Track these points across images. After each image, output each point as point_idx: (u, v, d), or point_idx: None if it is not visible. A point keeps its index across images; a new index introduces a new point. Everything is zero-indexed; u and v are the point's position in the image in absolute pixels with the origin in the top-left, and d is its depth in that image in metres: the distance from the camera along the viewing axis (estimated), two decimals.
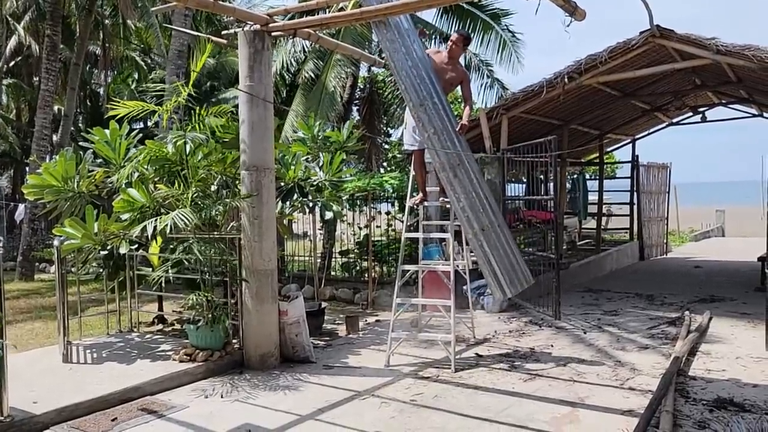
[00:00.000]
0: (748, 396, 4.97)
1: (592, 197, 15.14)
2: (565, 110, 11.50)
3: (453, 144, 5.99)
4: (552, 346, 6.82)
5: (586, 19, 5.15)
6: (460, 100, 14.79)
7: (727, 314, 8.21)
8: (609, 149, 16.88)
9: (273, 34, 6.35)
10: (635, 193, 14.92)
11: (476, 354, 6.54)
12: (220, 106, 6.77)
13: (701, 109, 13.84)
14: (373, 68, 15.30)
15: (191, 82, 6.52)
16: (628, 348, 6.66)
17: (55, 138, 16.52)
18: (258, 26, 6.06)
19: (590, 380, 5.55)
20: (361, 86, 16.55)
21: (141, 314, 7.70)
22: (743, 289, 10.13)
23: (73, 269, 6.90)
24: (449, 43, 6.45)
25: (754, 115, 13.46)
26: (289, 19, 6.48)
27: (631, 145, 15.62)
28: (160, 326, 7.70)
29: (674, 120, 14.99)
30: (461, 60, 6.85)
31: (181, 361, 5.91)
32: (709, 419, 4.48)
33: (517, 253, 6.06)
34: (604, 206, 15.41)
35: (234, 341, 6.37)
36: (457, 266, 6.78)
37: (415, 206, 7.07)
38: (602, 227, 14.97)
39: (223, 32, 6.91)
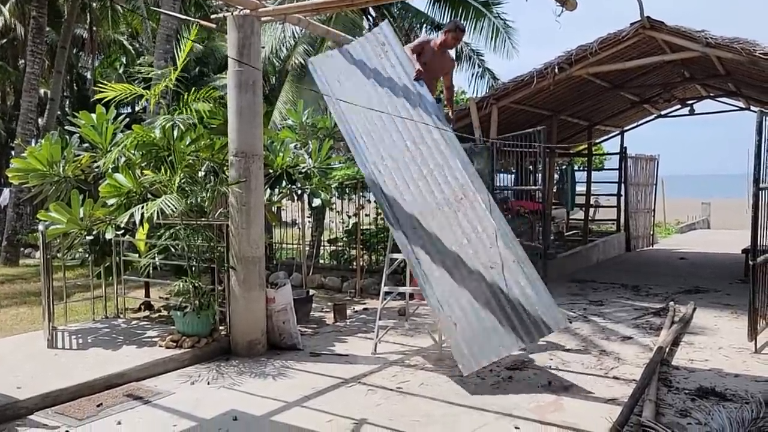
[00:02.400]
0: (729, 385, 5.04)
1: (580, 188, 15.21)
2: (554, 101, 11.52)
3: (454, 177, 5.66)
4: None
5: (577, 9, 5.14)
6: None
7: (711, 305, 8.31)
8: (598, 141, 16.95)
9: (263, 19, 6.29)
10: (623, 185, 15.01)
11: None
12: (208, 88, 6.71)
13: (689, 102, 13.93)
14: None
15: (179, 67, 6.45)
16: (612, 338, 6.72)
17: (40, 122, 16.32)
18: (247, 11, 6.00)
19: (575, 369, 5.60)
20: None
21: (127, 300, 7.67)
22: (727, 280, 10.26)
23: (58, 254, 6.85)
24: (446, 34, 6.40)
25: (741, 109, 13.56)
26: (280, 4, 6.41)
27: (619, 136, 15.70)
28: (146, 312, 7.67)
29: (663, 112, 15.07)
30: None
31: (167, 348, 5.89)
32: (691, 408, 4.54)
33: (532, 292, 5.16)
34: (591, 197, 15.49)
35: (221, 328, 6.36)
36: None
37: None
38: (589, 218, 15.07)
39: (212, 16, 6.84)
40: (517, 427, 4.28)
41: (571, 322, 7.46)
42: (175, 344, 5.93)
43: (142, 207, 5.72)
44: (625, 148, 15.13)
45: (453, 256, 5.44)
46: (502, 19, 14.15)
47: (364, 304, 8.69)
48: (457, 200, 5.60)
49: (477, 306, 5.22)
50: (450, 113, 6.50)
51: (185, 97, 6.56)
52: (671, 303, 8.21)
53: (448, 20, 13.78)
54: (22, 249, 14.06)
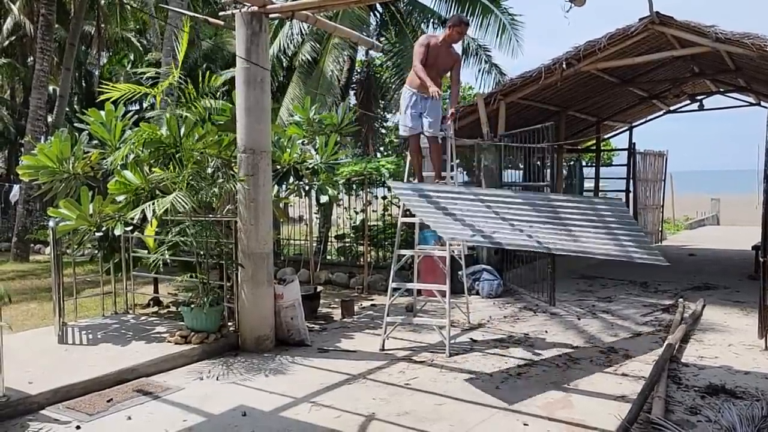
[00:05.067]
0: (739, 383, 5.02)
1: (589, 184, 15.14)
2: (563, 96, 11.48)
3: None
4: (546, 331, 6.85)
5: (586, 5, 5.12)
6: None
7: (720, 302, 8.26)
8: (606, 136, 16.87)
9: (271, 15, 6.29)
10: (631, 181, 14.94)
11: (471, 339, 6.57)
12: (213, 78, 6.71)
13: (699, 98, 13.83)
14: (370, 52, 15.20)
15: (180, 61, 6.48)
16: (621, 334, 6.70)
17: (50, 119, 16.40)
18: (255, 8, 6.00)
19: (583, 366, 5.59)
20: (359, 70, 16.46)
21: (136, 296, 7.70)
22: (737, 277, 10.20)
23: (68, 251, 6.89)
24: (450, 29, 6.37)
25: (752, 104, 13.46)
26: (287, 1, 6.41)
27: (628, 132, 15.61)
28: (155, 308, 7.71)
29: (672, 108, 14.98)
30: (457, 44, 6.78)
31: (176, 343, 5.92)
32: (700, 405, 4.52)
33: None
34: (600, 193, 15.42)
35: (229, 324, 6.39)
36: (453, 251, 6.79)
37: None
38: None
39: (220, 13, 6.84)
40: (525, 424, 4.28)
41: (579, 319, 7.45)
42: (183, 340, 5.95)
43: (153, 203, 5.74)
44: (634, 143, 15.05)
45: None
46: (509, 14, 14.09)
47: (372, 300, 8.70)
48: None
49: None
50: (452, 111, 6.49)
51: (189, 93, 6.57)
52: (680, 299, 8.18)
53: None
54: (32, 245, 14.16)
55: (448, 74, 6.72)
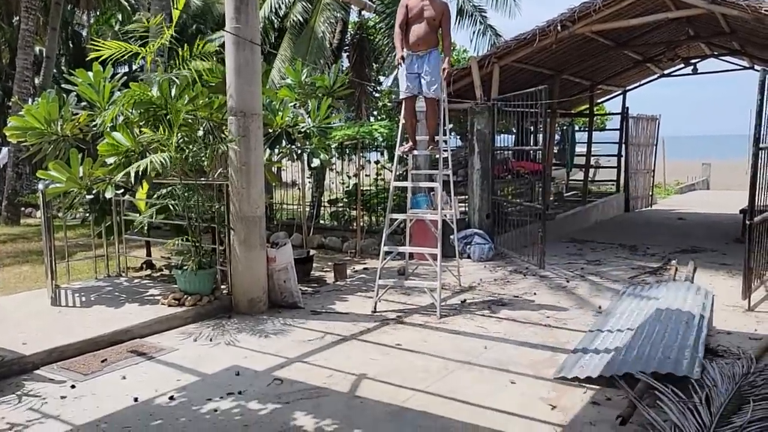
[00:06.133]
0: (722, 342, 5.13)
1: (581, 149, 15.15)
2: (557, 60, 11.37)
3: None
4: (535, 293, 6.95)
5: None
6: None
7: (707, 264, 8.37)
8: (599, 101, 16.80)
9: None
10: (623, 146, 14.94)
11: (461, 301, 6.66)
12: (203, 43, 6.61)
13: (693, 61, 13.75)
14: (363, 13, 14.96)
15: (173, 24, 6.36)
16: (608, 296, 6.79)
17: (37, 80, 16.12)
18: None
19: (571, 326, 5.69)
20: (351, 32, 16.21)
21: (129, 259, 7.73)
22: (724, 240, 10.32)
23: (59, 214, 6.86)
24: None
25: (745, 68, 13.40)
26: None
27: (621, 96, 15.55)
28: (148, 272, 7.74)
29: (666, 71, 14.88)
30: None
31: (169, 306, 5.97)
32: None
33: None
34: (592, 158, 15.44)
35: (223, 286, 6.44)
36: (445, 216, 6.82)
37: (404, 155, 7.05)
38: (589, 179, 15.05)
39: None
40: (512, 382, 4.38)
41: (568, 281, 7.55)
42: (177, 302, 6.01)
43: (138, 165, 5.71)
44: (627, 108, 15.01)
45: None
46: None
47: (364, 263, 8.76)
48: None
49: None
50: (445, 66, 6.41)
51: (181, 54, 6.48)
52: (673, 261, 8.28)
53: None
54: (23, 209, 14.09)
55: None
